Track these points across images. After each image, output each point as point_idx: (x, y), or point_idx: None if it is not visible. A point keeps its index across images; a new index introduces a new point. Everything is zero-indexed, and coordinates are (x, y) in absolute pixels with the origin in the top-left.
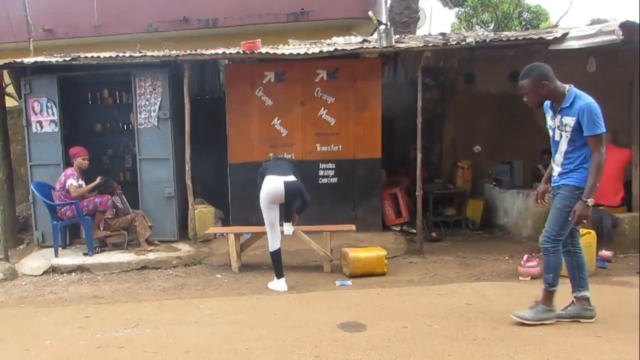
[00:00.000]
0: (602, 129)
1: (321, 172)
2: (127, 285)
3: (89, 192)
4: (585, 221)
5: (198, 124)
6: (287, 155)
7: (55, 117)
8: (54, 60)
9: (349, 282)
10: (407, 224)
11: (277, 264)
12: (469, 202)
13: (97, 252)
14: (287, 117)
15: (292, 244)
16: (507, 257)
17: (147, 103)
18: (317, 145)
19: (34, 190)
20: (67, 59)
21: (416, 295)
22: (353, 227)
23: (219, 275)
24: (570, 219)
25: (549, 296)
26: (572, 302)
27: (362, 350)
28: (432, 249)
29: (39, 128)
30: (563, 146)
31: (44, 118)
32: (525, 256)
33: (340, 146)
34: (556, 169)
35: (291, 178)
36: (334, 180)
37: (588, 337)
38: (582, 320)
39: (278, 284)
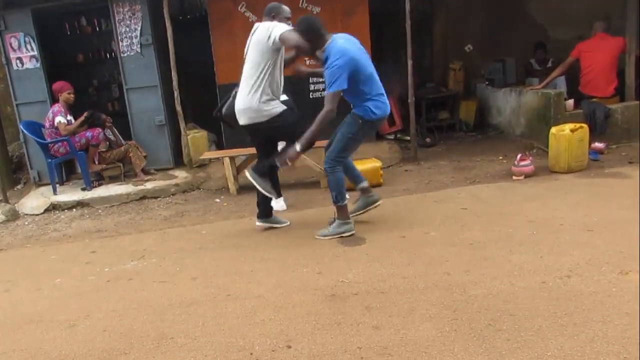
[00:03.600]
0: (333, 89)
1: (312, 87)
2: (129, 217)
3: (78, 128)
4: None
5: (182, 46)
6: None
7: (35, 52)
8: None
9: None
10: (401, 131)
11: (273, 184)
12: (462, 104)
13: (95, 186)
14: None
15: None
16: (501, 157)
17: (127, 29)
18: (306, 58)
19: (24, 130)
20: None
21: (412, 203)
22: None
23: (217, 200)
24: (344, 145)
25: (341, 210)
26: (359, 197)
27: (362, 263)
28: (427, 155)
29: (19, 65)
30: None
31: (24, 54)
32: (519, 155)
33: None
34: None
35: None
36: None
37: (580, 232)
38: (372, 206)
39: (276, 204)
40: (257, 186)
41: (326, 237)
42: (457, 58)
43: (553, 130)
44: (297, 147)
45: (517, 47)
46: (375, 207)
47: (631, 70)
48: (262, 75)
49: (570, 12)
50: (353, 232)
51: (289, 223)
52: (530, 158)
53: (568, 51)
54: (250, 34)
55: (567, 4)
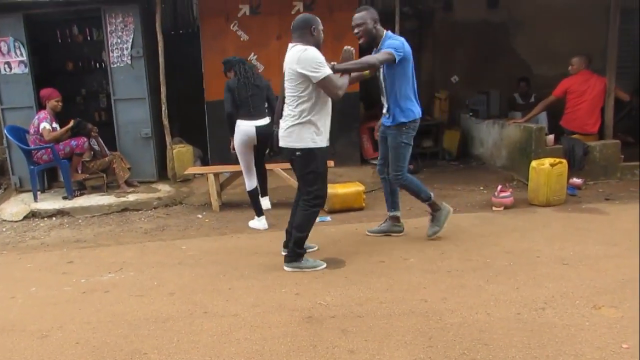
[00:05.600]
0: (390, 53)
1: None
2: (109, 228)
3: (62, 135)
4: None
5: (173, 60)
6: None
7: (25, 58)
8: None
9: (328, 218)
10: None
11: (255, 203)
12: (445, 133)
13: (77, 196)
14: (263, 52)
15: (271, 182)
16: (481, 188)
17: (119, 41)
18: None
19: (8, 135)
20: None
21: None
22: (332, 163)
23: (199, 215)
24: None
25: (434, 205)
26: (386, 220)
27: (340, 286)
28: None
29: (7, 70)
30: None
31: (12, 59)
32: (499, 187)
33: None
34: (385, 109)
35: (264, 122)
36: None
37: (556, 265)
38: (392, 234)
39: (258, 222)
40: (309, 269)
41: (437, 234)
42: (443, 88)
43: (533, 163)
44: (335, 66)
45: (501, 81)
46: (396, 235)
47: (610, 110)
48: (304, 101)
49: (554, 50)
50: (451, 212)
51: (317, 247)
52: (510, 190)
53: (551, 87)
54: (288, 50)
55: (551, 42)
